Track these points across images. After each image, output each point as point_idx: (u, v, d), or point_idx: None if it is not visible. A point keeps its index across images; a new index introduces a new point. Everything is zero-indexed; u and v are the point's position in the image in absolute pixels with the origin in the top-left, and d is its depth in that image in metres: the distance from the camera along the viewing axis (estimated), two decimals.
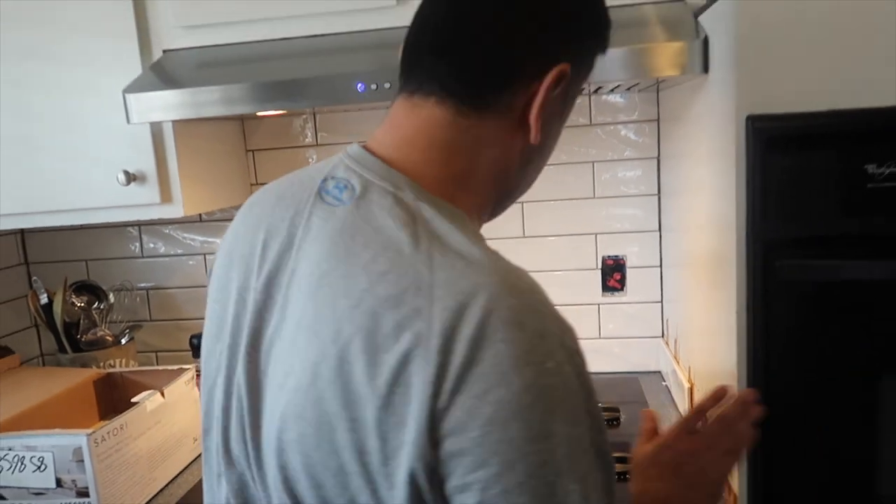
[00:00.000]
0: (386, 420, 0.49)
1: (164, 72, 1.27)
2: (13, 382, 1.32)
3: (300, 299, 0.55)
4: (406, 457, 0.48)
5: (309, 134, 1.63)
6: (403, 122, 0.60)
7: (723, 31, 0.94)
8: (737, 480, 0.97)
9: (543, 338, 0.50)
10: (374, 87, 1.08)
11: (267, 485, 0.56)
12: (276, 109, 1.20)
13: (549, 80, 0.58)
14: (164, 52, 1.30)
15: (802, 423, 0.91)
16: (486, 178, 0.62)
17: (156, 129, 1.32)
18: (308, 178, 0.62)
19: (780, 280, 0.88)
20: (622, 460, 1.15)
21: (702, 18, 1.06)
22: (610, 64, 1.07)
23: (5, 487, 1.04)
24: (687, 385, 1.27)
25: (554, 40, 0.59)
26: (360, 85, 1.08)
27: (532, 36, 0.58)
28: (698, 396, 1.23)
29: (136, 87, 1.21)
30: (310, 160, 1.64)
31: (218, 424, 0.61)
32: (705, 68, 1.03)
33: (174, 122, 1.32)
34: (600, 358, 1.61)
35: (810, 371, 0.90)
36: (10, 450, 1.01)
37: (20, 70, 1.32)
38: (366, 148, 0.61)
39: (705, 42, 1.02)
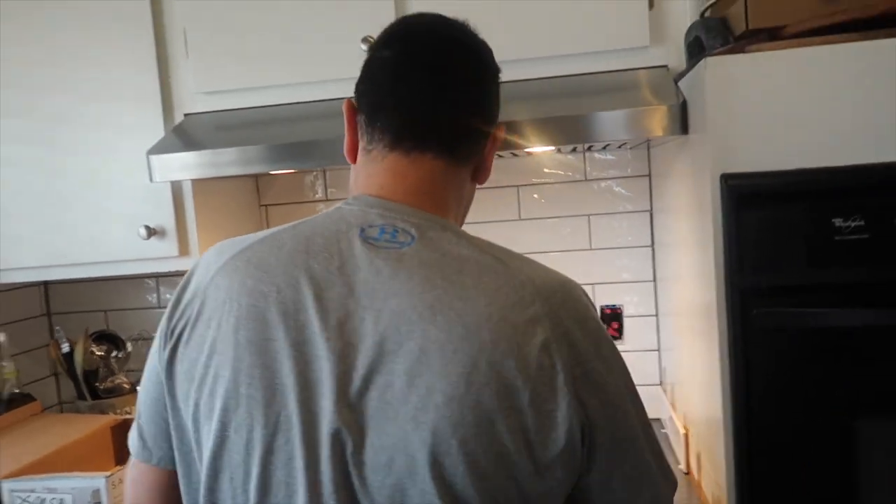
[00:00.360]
0: (539, 398, 0.61)
1: (185, 134, 1.36)
2: (35, 428, 1.38)
3: (413, 330, 0.62)
4: (561, 420, 0.61)
5: (319, 190, 1.72)
6: (408, 174, 0.72)
7: (697, 96, 1.02)
8: None
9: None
10: None
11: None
12: (288, 169, 1.29)
13: (498, 138, 0.78)
14: (186, 115, 1.40)
15: (785, 463, 0.95)
16: (461, 210, 0.78)
17: (175, 187, 1.41)
18: (328, 231, 0.68)
19: (757, 327, 0.94)
20: None
21: (681, 83, 1.15)
22: (603, 124, 1.15)
23: None
24: (682, 431, 1.30)
25: (496, 110, 0.79)
26: None
27: (489, 110, 0.77)
28: (693, 443, 1.26)
29: (159, 148, 1.31)
30: None
31: (301, 482, 0.61)
32: (685, 129, 1.11)
33: (193, 180, 1.41)
34: None
35: (790, 412, 0.94)
36: (32, 491, 1.06)
37: (52, 132, 1.43)
38: (380, 197, 0.71)
39: (684, 105, 1.11)
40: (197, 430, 0.66)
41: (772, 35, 0.99)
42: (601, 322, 0.69)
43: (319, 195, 1.72)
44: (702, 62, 0.96)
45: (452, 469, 0.60)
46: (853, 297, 0.92)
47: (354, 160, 0.77)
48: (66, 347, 1.60)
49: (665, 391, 1.57)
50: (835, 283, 0.92)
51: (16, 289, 1.75)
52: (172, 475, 0.71)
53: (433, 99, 0.72)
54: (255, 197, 1.75)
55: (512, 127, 1.16)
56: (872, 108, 0.90)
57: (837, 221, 0.92)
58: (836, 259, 0.92)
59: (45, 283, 1.84)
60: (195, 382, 0.66)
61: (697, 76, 1.00)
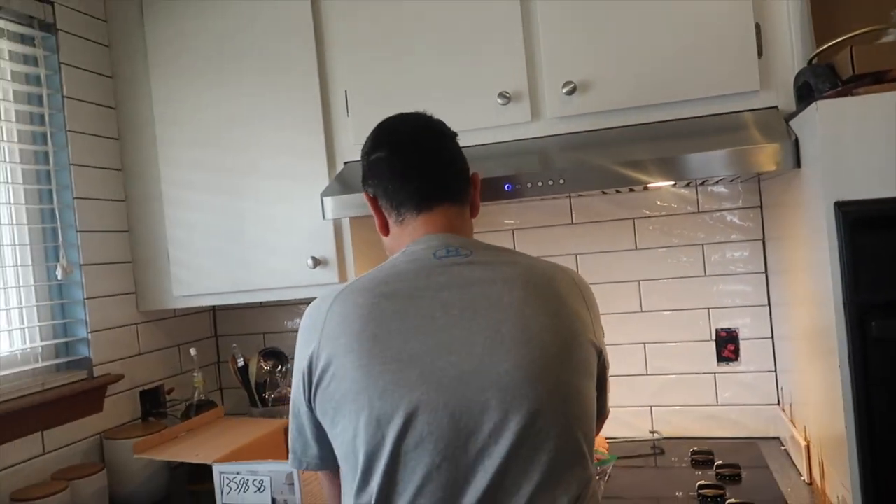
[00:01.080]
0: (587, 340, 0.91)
1: (345, 180, 1.61)
2: (224, 428, 1.63)
3: (512, 314, 0.87)
4: (593, 354, 0.91)
5: None
6: (437, 221, 0.98)
7: (809, 133, 1.14)
8: None
9: None
10: (518, 186, 1.35)
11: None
12: None
13: (476, 181, 1.05)
14: (345, 163, 1.65)
15: None
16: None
17: (336, 224, 1.66)
18: (418, 265, 0.93)
19: (874, 338, 1.04)
20: None
21: (792, 123, 1.27)
22: (717, 162, 1.29)
23: None
24: (804, 443, 1.39)
25: (467, 163, 1.05)
26: (507, 186, 1.36)
27: (465, 163, 1.04)
28: (815, 454, 1.35)
29: (329, 191, 1.55)
30: None
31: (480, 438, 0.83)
32: (797, 163, 1.23)
33: (351, 217, 1.65)
34: (718, 424, 1.74)
35: None
36: (237, 473, 1.29)
37: (236, 182, 1.71)
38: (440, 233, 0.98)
39: (796, 142, 1.23)
40: None
41: (876, 79, 1.11)
42: None
43: None
44: (813, 105, 1.09)
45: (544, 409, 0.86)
46: None
47: (387, 233, 1.03)
48: (241, 362, 1.86)
49: (784, 410, 1.64)
50: None
51: (192, 314, 2.05)
52: None
53: (434, 167, 0.99)
54: None
55: (637, 165, 1.32)
56: None
57: None
58: None
59: (214, 309, 2.14)
60: None
61: (809, 116, 1.13)
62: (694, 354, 1.76)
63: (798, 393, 1.47)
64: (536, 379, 0.83)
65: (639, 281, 1.79)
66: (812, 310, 1.24)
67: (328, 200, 1.53)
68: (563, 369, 0.85)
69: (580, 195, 1.80)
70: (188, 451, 1.40)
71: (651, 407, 1.80)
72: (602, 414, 1.00)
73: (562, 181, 1.34)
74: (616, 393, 1.80)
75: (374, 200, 1.03)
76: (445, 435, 0.81)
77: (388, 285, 0.90)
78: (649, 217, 1.78)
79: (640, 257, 1.79)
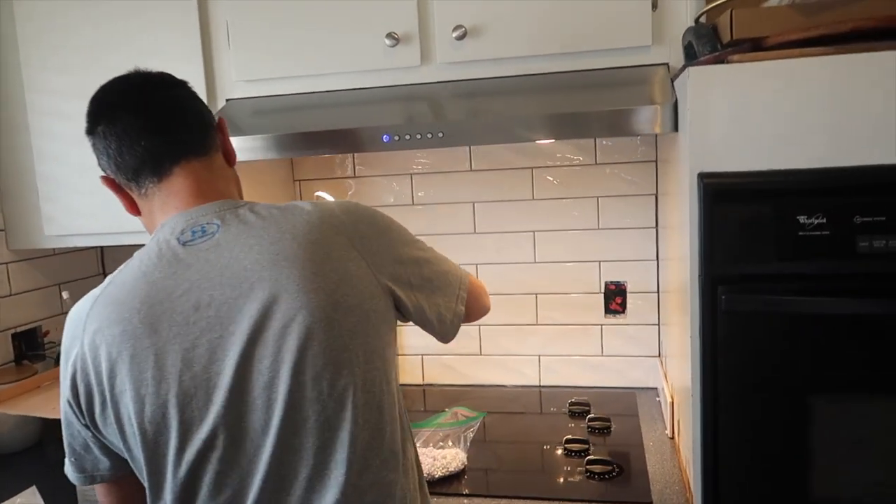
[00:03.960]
0: (366, 293, 0.87)
1: (227, 119, 1.51)
2: None
3: (263, 306, 0.83)
4: (383, 302, 0.88)
5: (349, 167, 1.87)
6: (191, 183, 0.90)
7: (683, 98, 1.12)
8: (692, 483, 1.14)
9: None
10: (396, 138, 1.29)
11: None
12: (319, 154, 1.43)
13: (223, 127, 0.97)
14: (227, 101, 1.55)
15: (747, 432, 1.07)
16: (237, 188, 1.01)
17: None
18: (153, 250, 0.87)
19: (724, 310, 1.05)
20: (607, 462, 1.33)
21: (676, 83, 1.24)
22: (600, 123, 1.25)
23: None
24: (669, 400, 1.43)
25: (205, 106, 0.96)
26: (385, 136, 1.29)
27: (203, 108, 0.95)
28: (676, 411, 1.39)
29: None
30: (349, 190, 1.87)
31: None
32: (675, 127, 1.21)
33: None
34: (601, 374, 1.78)
35: (750, 387, 1.06)
36: None
37: None
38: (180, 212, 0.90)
39: (675, 105, 1.20)
40: None
41: (755, 45, 1.07)
42: None
43: (349, 172, 1.87)
44: (686, 70, 1.06)
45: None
46: (813, 288, 1.02)
47: (139, 213, 0.94)
48: None
49: (661, 363, 1.69)
50: (798, 274, 1.03)
51: (74, 252, 1.94)
52: None
53: (161, 122, 0.89)
54: (290, 173, 1.90)
55: (523, 120, 1.27)
56: (837, 117, 0.99)
57: (802, 218, 1.02)
58: (800, 252, 1.02)
59: (102, 248, 2.04)
60: None
61: (683, 81, 1.10)
62: (583, 306, 1.78)
63: (670, 347, 1.51)
64: (303, 375, 0.81)
65: (534, 231, 1.78)
66: (678, 270, 1.25)
67: None
68: (335, 351, 0.82)
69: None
70: (45, 405, 1.35)
71: (539, 356, 1.83)
72: (448, 319, 0.96)
73: (441, 134, 1.28)
74: (506, 341, 1.83)
75: (111, 182, 0.92)
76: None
77: (138, 299, 0.83)
78: (548, 167, 1.75)
79: (537, 208, 1.77)
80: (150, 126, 0.88)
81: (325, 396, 0.81)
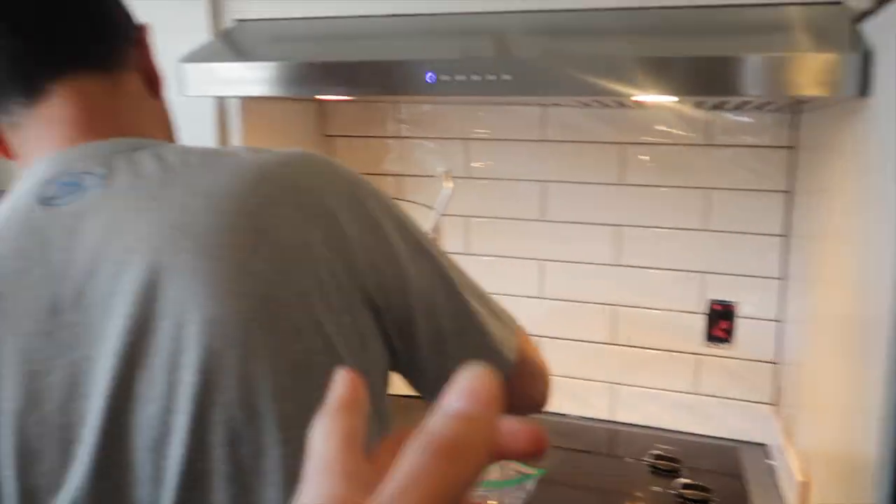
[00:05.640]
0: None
1: (233, 42, 1.16)
2: None
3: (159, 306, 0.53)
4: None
5: (389, 125, 1.50)
6: (81, 111, 0.60)
7: (885, 46, 0.70)
8: None
9: None
10: (445, 78, 0.91)
11: None
12: (337, 94, 1.06)
13: (143, 39, 0.65)
14: (236, 21, 1.20)
15: None
16: (161, 124, 0.70)
17: (220, 106, 1.22)
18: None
19: None
20: None
21: (865, 27, 0.82)
22: (739, 73, 0.85)
23: None
24: (799, 479, 1.02)
25: (120, 8, 0.65)
26: (429, 75, 0.91)
27: (115, 8, 0.64)
28: (816, 498, 0.98)
29: (198, 56, 1.11)
30: (387, 153, 1.51)
31: None
32: (864, 90, 0.79)
33: (242, 100, 1.21)
34: (693, 418, 1.37)
35: None
36: None
37: None
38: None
39: (866, 57, 0.78)
40: None
41: None
42: None
43: (389, 132, 1.50)
44: (887, 7, 0.64)
45: None
46: None
47: (16, 156, 0.62)
48: None
49: (779, 414, 1.27)
50: None
51: None
52: None
53: (39, 18, 0.57)
54: (318, 125, 1.54)
55: (616, 69, 0.87)
56: None
57: None
58: None
59: None
60: None
61: (883, 23, 0.68)
62: (677, 328, 1.37)
63: (805, 397, 1.10)
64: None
65: (617, 225, 1.38)
66: (854, 292, 0.84)
67: (193, 69, 1.09)
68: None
69: (557, 105, 1.36)
70: None
71: (612, 384, 1.43)
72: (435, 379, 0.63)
73: (506, 77, 0.89)
74: (572, 359, 1.44)
75: None
76: None
77: None
78: (643, 144, 1.34)
79: (625, 195, 1.36)
80: (16, 19, 0.57)
81: (243, 465, 0.47)
